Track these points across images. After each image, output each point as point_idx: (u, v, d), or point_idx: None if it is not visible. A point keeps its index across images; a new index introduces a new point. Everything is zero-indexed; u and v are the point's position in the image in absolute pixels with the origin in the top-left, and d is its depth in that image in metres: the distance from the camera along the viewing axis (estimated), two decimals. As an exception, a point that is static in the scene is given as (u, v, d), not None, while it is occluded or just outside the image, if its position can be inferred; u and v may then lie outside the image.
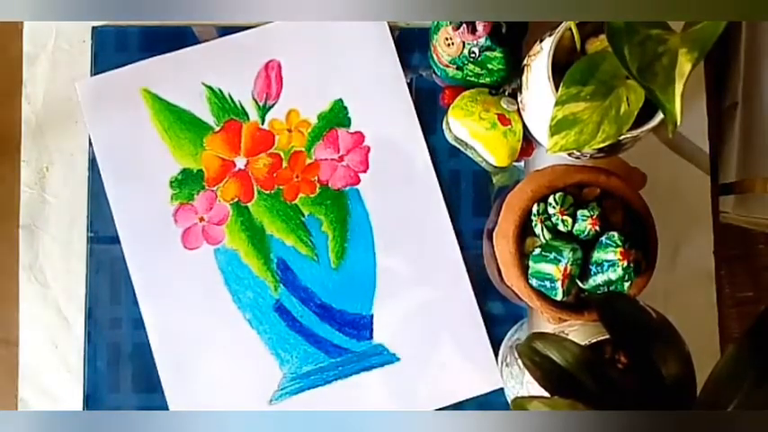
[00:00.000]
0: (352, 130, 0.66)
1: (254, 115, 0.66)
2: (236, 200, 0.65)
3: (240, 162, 0.65)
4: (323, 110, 0.66)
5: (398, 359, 0.64)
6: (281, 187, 0.65)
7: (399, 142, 0.66)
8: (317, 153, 0.66)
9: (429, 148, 0.66)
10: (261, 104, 0.66)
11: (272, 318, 0.65)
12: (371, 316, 0.65)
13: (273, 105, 0.66)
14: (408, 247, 0.65)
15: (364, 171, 0.66)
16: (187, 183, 0.65)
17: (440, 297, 0.65)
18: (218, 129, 0.66)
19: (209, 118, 0.66)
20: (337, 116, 0.66)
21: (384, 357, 0.64)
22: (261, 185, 0.65)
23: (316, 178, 0.65)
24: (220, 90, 0.66)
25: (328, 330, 0.65)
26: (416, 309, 0.65)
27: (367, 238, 0.65)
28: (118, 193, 0.64)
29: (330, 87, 0.66)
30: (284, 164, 0.65)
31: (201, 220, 0.65)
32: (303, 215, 0.65)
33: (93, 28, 0.65)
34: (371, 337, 0.65)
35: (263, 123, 0.66)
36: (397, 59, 0.66)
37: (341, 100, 0.66)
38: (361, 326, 0.65)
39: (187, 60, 0.66)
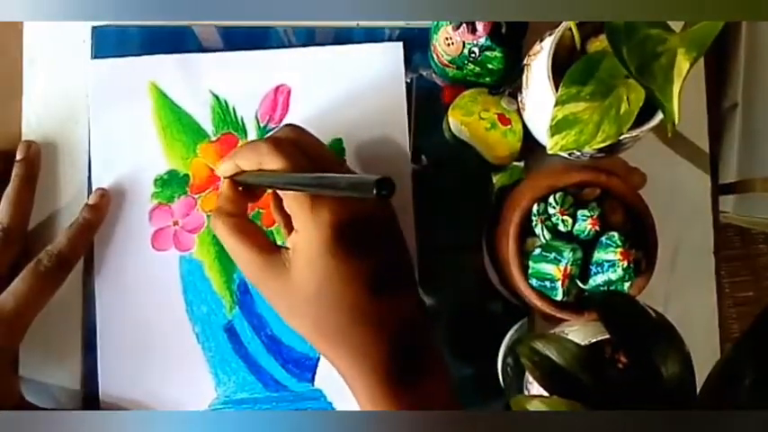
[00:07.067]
0: None
1: (252, 134, 0.65)
2: None
3: None
4: None
5: (333, 410, 0.63)
6: (261, 210, 0.64)
7: None
8: None
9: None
10: (262, 125, 0.65)
11: (220, 337, 0.63)
12: (318, 359, 0.63)
13: (274, 129, 0.64)
14: None
15: None
16: (171, 184, 0.64)
17: None
18: (214, 139, 0.65)
19: (208, 126, 0.65)
20: None
21: (320, 404, 0.63)
22: None
23: None
24: (226, 101, 0.65)
25: (272, 363, 0.63)
26: None
27: None
28: (102, 178, 0.64)
29: (334, 124, 0.64)
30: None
31: (176, 224, 0.64)
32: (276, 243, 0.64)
33: (94, 28, 0.65)
34: (312, 381, 0.63)
35: None
36: (405, 105, 0.65)
37: (341, 140, 0.64)
38: (305, 366, 0.63)
39: (201, 65, 0.65)
